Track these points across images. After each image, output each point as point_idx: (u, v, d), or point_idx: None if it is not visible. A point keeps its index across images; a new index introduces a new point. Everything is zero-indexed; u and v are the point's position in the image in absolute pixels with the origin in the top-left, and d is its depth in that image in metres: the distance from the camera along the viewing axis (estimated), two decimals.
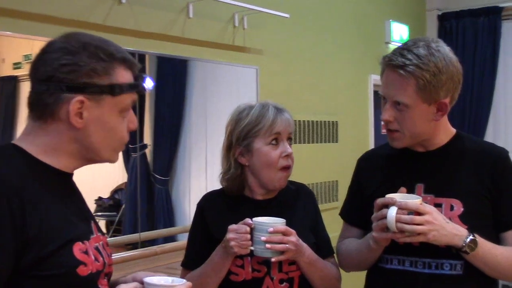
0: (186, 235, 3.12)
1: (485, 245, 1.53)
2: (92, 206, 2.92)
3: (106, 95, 1.17)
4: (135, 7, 2.84)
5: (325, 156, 4.19)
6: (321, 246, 1.78)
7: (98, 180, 3.00)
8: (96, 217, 3.03)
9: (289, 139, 1.77)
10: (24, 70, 2.55)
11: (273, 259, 1.61)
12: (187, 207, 3.28)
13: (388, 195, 1.53)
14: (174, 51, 3.05)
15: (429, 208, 1.51)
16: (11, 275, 1.05)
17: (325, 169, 4.17)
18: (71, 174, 1.26)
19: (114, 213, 3.00)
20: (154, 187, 3.10)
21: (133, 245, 2.89)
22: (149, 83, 1.27)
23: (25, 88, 2.54)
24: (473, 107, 5.26)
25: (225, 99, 3.35)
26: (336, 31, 4.37)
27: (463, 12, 5.39)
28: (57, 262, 1.09)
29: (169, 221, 3.20)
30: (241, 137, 1.73)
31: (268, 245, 1.58)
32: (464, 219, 1.57)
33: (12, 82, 2.54)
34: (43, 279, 1.07)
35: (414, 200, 1.51)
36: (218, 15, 3.31)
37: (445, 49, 1.58)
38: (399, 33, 5.09)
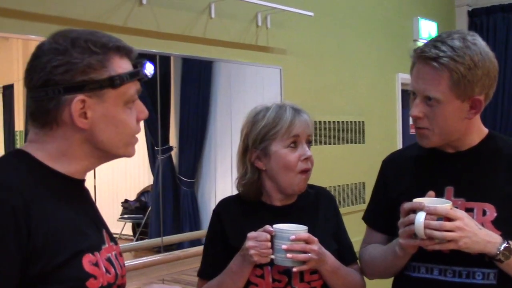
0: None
1: None
2: (118, 209, 2.93)
3: (107, 89, 1.12)
4: (156, 8, 2.82)
5: (352, 157, 4.13)
6: (344, 252, 1.72)
7: (124, 183, 3.02)
8: (123, 220, 3.06)
9: (309, 141, 1.70)
10: None
11: (294, 269, 1.54)
12: (212, 209, 3.27)
13: (416, 199, 1.45)
14: (196, 52, 3.03)
15: (460, 213, 1.42)
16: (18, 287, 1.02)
17: (351, 170, 4.11)
18: (83, 181, 1.22)
19: (141, 215, 3.02)
20: (180, 189, 3.11)
21: (158, 249, 2.88)
22: (149, 68, 1.20)
23: None
24: (505, 105, 5.15)
25: (250, 99, 3.33)
26: (362, 29, 4.31)
27: (494, 7, 5.28)
28: (65, 275, 1.05)
29: (195, 224, 3.20)
30: (257, 140, 1.67)
31: (289, 255, 1.51)
32: (497, 224, 1.47)
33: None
34: None
35: (443, 204, 1.43)
36: (241, 15, 3.28)
37: (482, 43, 1.49)
38: (428, 30, 4.99)
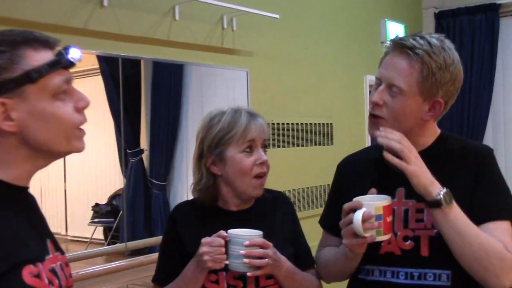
0: None
1: (458, 208, 1.44)
2: (89, 213, 2.89)
3: (26, 85, 1.07)
4: (118, 10, 2.76)
5: (320, 159, 4.12)
6: (301, 256, 1.71)
7: (95, 187, 2.96)
8: (93, 224, 3.01)
9: (264, 146, 1.68)
10: None
11: (249, 274, 1.53)
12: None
13: (356, 198, 1.46)
14: (161, 55, 2.99)
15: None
16: None
17: (320, 172, 4.09)
18: (26, 188, 1.17)
19: (112, 219, 2.97)
20: (151, 192, 3.09)
21: (129, 253, 2.86)
22: (74, 53, 1.14)
23: None
24: (472, 106, 5.19)
25: (218, 102, 3.31)
26: (329, 31, 4.31)
27: (460, 9, 5.32)
28: None
29: None
30: (213, 145, 1.65)
31: (245, 260, 1.49)
32: None
33: None
34: None
35: (382, 200, 1.45)
36: (206, 17, 3.25)
37: (456, 53, 1.51)
38: (395, 32, 4.99)
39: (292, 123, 3.84)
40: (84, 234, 2.95)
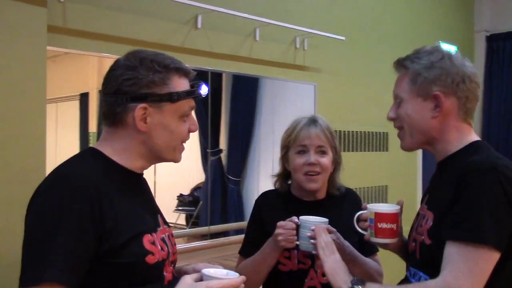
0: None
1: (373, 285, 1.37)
2: (174, 202, 3.02)
3: (166, 102, 1.19)
4: (209, 31, 2.91)
5: (376, 163, 4.13)
6: (364, 244, 1.75)
7: (180, 180, 3.08)
8: (177, 211, 3.14)
9: (321, 151, 1.76)
10: None
11: (314, 252, 1.60)
12: None
13: (370, 204, 1.52)
14: (243, 70, 3.11)
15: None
16: (92, 261, 1.08)
17: (376, 175, 4.12)
18: (141, 174, 1.29)
19: (193, 208, 3.06)
20: (227, 186, 3.17)
21: (207, 236, 2.97)
22: (204, 90, 1.23)
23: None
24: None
25: (288, 111, 3.38)
26: (387, 51, 4.29)
27: (510, 33, 5.17)
28: (129, 252, 1.11)
29: (239, 216, 3.25)
30: (283, 146, 1.82)
31: (312, 240, 1.59)
32: (430, 234, 1.34)
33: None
34: (117, 266, 1.10)
35: (382, 208, 1.49)
36: (281, 38, 3.34)
37: (448, 53, 1.40)
38: None
39: (353, 131, 3.88)
40: (169, 219, 3.05)
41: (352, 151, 3.89)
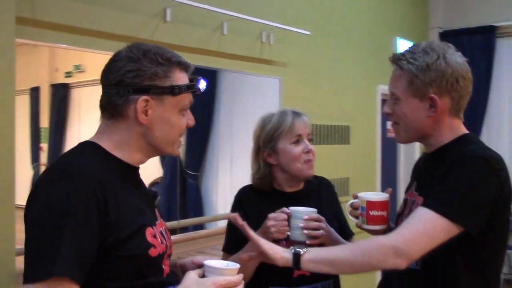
0: (214, 223, 3.19)
1: (313, 249, 1.41)
2: None
3: (167, 95, 1.18)
4: (178, 25, 2.88)
5: (338, 156, 4.21)
6: (343, 229, 1.83)
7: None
8: None
9: (309, 139, 1.81)
10: (75, 78, 2.60)
11: (308, 242, 1.62)
12: (214, 199, 3.33)
13: (360, 193, 1.58)
14: (210, 64, 3.09)
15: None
16: (97, 255, 1.07)
17: (338, 167, 4.19)
18: (138, 168, 1.27)
19: None
20: (186, 181, 3.14)
21: (177, 230, 2.93)
22: (203, 85, 1.23)
23: (75, 94, 2.61)
24: (468, 117, 5.13)
25: (251, 106, 3.39)
26: (350, 46, 4.40)
27: (461, 30, 5.39)
28: (133, 244, 1.11)
29: (199, 211, 3.23)
30: (267, 140, 1.78)
31: (306, 231, 1.61)
32: None
33: (64, 88, 2.58)
34: (121, 259, 1.10)
35: (372, 196, 1.56)
36: (249, 32, 3.34)
37: (442, 52, 1.44)
38: (405, 48, 5.06)
39: (317, 125, 3.93)
40: None
41: (316, 144, 3.92)
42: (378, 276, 4.91)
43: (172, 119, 1.21)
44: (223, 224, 3.16)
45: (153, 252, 1.15)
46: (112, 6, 2.56)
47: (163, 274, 1.20)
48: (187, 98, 1.23)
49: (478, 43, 5.26)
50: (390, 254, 1.30)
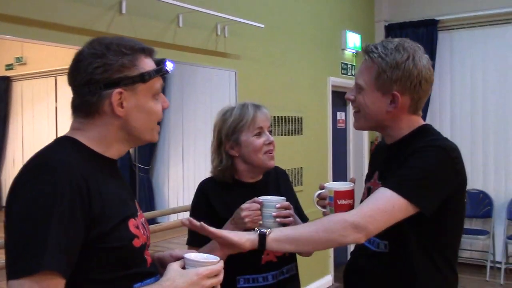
0: (165, 217, 3.18)
1: (275, 230, 1.44)
2: None
3: (138, 83, 1.17)
4: (134, 17, 2.85)
5: (292, 146, 4.27)
6: (301, 215, 1.87)
7: None
8: None
9: (269, 131, 1.85)
10: (15, 71, 2.52)
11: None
12: (166, 192, 3.32)
13: (327, 183, 1.63)
14: (166, 56, 3.01)
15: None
16: (81, 248, 1.07)
17: (292, 157, 4.26)
18: (116, 160, 1.27)
19: None
20: (135, 174, 3.10)
21: None
22: (170, 66, 1.22)
23: (16, 87, 2.52)
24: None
25: (206, 98, 3.39)
26: (302, 40, 4.47)
27: (405, 23, 5.57)
28: (117, 236, 1.12)
29: (150, 205, 3.21)
30: (229, 133, 1.80)
31: (278, 219, 1.65)
32: None
33: (5, 82, 2.50)
34: (106, 251, 1.10)
35: (339, 186, 1.61)
36: (204, 25, 3.34)
37: (413, 53, 1.49)
38: (353, 41, 5.21)
39: (272, 116, 3.96)
40: None
41: (270, 135, 3.99)
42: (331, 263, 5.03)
43: (147, 106, 1.21)
44: (173, 218, 3.17)
45: (136, 242, 1.16)
46: None
47: (147, 264, 1.21)
48: (158, 82, 1.23)
49: (421, 36, 5.43)
50: (351, 229, 1.36)
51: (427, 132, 1.55)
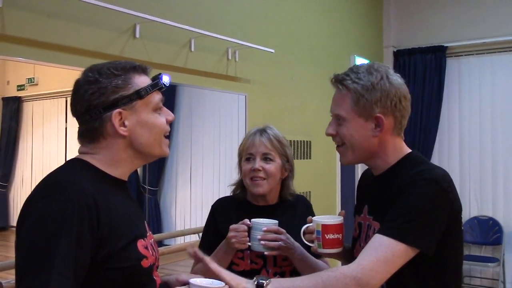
0: (172, 240, 3.17)
1: (275, 280, 1.35)
2: None
3: (136, 100, 1.20)
4: (147, 41, 2.88)
5: (300, 170, 4.24)
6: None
7: None
8: None
9: (266, 158, 1.82)
10: (27, 92, 2.53)
11: (266, 253, 1.68)
12: (173, 214, 3.31)
13: (315, 217, 1.58)
14: (178, 80, 3.09)
15: None
16: (89, 267, 1.08)
17: (301, 181, 4.21)
18: (126, 181, 1.28)
19: None
20: (143, 196, 3.11)
21: None
22: (166, 79, 1.24)
23: (27, 108, 2.53)
24: (422, 132, 5.38)
25: (216, 121, 3.40)
26: (311, 64, 4.48)
27: (414, 49, 5.57)
28: (125, 256, 1.13)
29: (158, 227, 3.21)
30: (238, 155, 1.90)
31: (262, 242, 1.66)
32: None
33: (16, 102, 2.51)
34: (114, 271, 1.11)
35: (327, 220, 1.54)
36: (215, 49, 3.37)
37: (385, 72, 1.44)
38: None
39: None
40: None
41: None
42: None
43: (149, 121, 1.22)
44: (181, 240, 3.16)
45: (145, 263, 1.16)
46: (82, 21, 2.53)
47: (155, 285, 1.21)
48: (156, 97, 1.24)
49: (430, 62, 5.45)
50: (352, 285, 1.28)
51: (414, 161, 1.46)
